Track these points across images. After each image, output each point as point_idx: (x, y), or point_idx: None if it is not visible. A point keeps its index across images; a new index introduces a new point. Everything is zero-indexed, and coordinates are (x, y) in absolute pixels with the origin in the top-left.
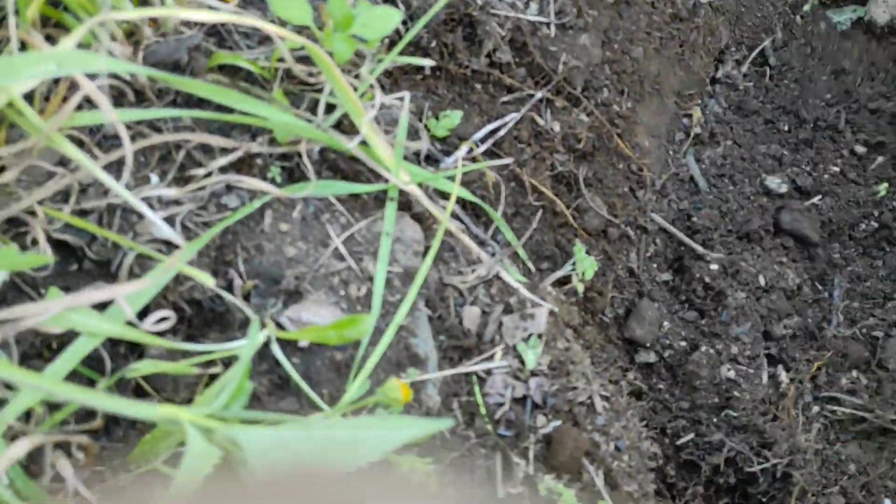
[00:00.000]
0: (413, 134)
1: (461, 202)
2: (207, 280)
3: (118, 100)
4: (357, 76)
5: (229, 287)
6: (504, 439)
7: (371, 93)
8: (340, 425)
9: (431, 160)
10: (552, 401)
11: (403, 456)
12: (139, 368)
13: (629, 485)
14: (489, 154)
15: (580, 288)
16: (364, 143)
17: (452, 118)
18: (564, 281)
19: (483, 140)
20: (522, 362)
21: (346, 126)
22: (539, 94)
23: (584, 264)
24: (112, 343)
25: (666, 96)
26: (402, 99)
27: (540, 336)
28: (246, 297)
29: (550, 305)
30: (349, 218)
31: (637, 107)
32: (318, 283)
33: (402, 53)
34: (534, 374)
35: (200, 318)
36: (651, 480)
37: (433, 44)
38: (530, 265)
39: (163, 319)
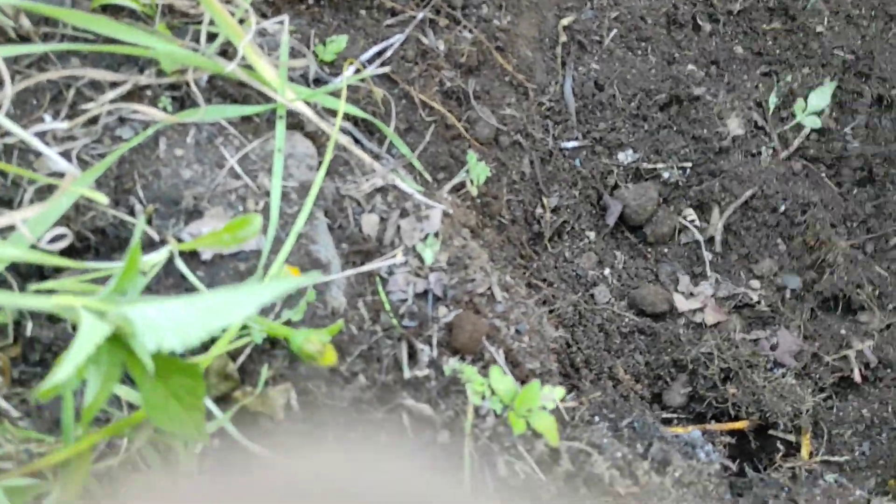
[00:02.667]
0: (299, 57)
1: (353, 120)
2: (101, 199)
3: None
4: (236, 5)
5: (131, 213)
6: (408, 330)
7: (249, 18)
8: (217, 294)
9: (321, 83)
10: (452, 293)
11: (300, 330)
12: (41, 286)
13: (531, 363)
14: (378, 75)
15: (474, 192)
16: (249, 68)
17: (339, 42)
18: (461, 188)
19: (370, 61)
20: (422, 260)
21: (231, 54)
22: (421, 15)
23: (477, 170)
24: (21, 275)
25: (545, 8)
26: (282, 23)
27: (436, 235)
28: (149, 222)
29: (444, 207)
30: (242, 140)
31: (517, 21)
32: (216, 200)
33: None
34: (433, 270)
35: (106, 245)
36: (554, 360)
37: None
38: (427, 175)
39: (59, 237)
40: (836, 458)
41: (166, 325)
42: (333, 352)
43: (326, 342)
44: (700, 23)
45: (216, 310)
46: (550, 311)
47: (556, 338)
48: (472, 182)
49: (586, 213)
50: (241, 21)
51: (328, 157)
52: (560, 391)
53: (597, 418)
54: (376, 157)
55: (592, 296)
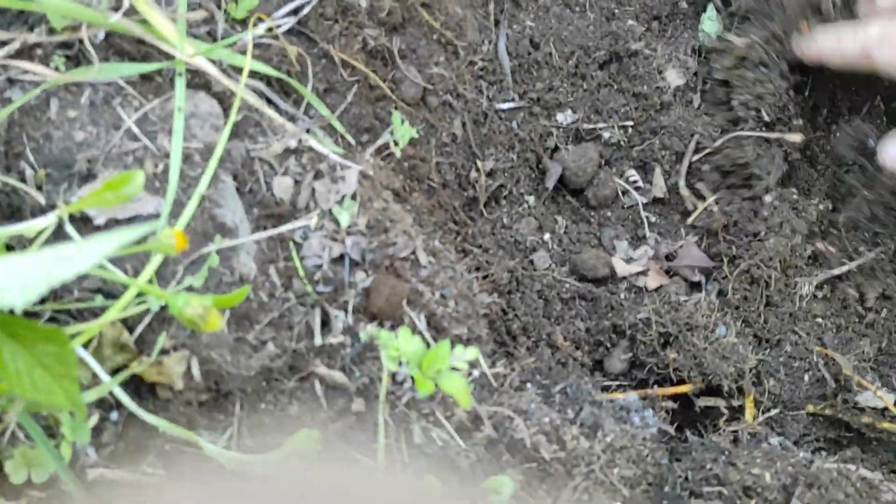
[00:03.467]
0: (205, 13)
1: (267, 80)
2: None
3: None
4: None
5: (23, 179)
6: (322, 295)
7: None
8: (63, 247)
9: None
10: (371, 257)
11: (181, 293)
12: None
13: (457, 328)
14: (295, 34)
15: (398, 153)
16: (146, 23)
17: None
18: (386, 151)
19: (285, 17)
20: (338, 224)
21: (129, 11)
22: None
23: (402, 131)
24: None
25: None
26: None
27: (354, 197)
28: (40, 188)
29: (362, 167)
30: (142, 100)
31: None
32: (111, 163)
33: None
34: (350, 233)
35: None
36: (485, 326)
37: None
38: (349, 138)
39: None
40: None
41: (11, 281)
42: (218, 317)
43: (209, 306)
44: None
45: (60, 262)
46: (484, 277)
47: (489, 304)
48: (395, 144)
49: (525, 177)
50: None
51: (233, 116)
52: (473, 351)
53: (529, 385)
54: (292, 118)
55: (532, 262)
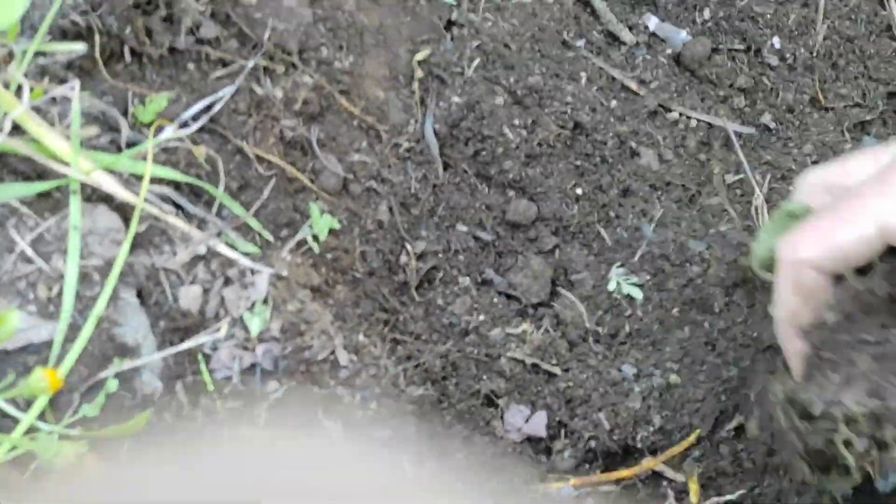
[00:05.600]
0: (97, 129)
1: (175, 184)
2: None
3: None
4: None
5: None
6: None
7: (39, 88)
8: None
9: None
10: (285, 363)
11: (55, 443)
12: None
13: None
14: (207, 131)
15: (317, 248)
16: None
17: (159, 101)
18: (306, 245)
19: (196, 118)
20: (249, 332)
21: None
22: (251, 63)
23: (321, 224)
24: None
25: (396, 45)
26: (73, 88)
27: (266, 302)
28: None
29: (271, 270)
30: (37, 219)
31: (362, 60)
32: (3, 290)
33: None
34: (262, 340)
35: None
36: (412, 423)
37: (127, 30)
38: (267, 235)
39: None
40: (727, 497)
41: None
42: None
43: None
44: (569, 41)
45: None
46: (416, 367)
47: (419, 397)
48: (314, 238)
49: (461, 258)
50: (31, 90)
51: (133, 229)
52: None
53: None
54: (202, 222)
55: (468, 343)
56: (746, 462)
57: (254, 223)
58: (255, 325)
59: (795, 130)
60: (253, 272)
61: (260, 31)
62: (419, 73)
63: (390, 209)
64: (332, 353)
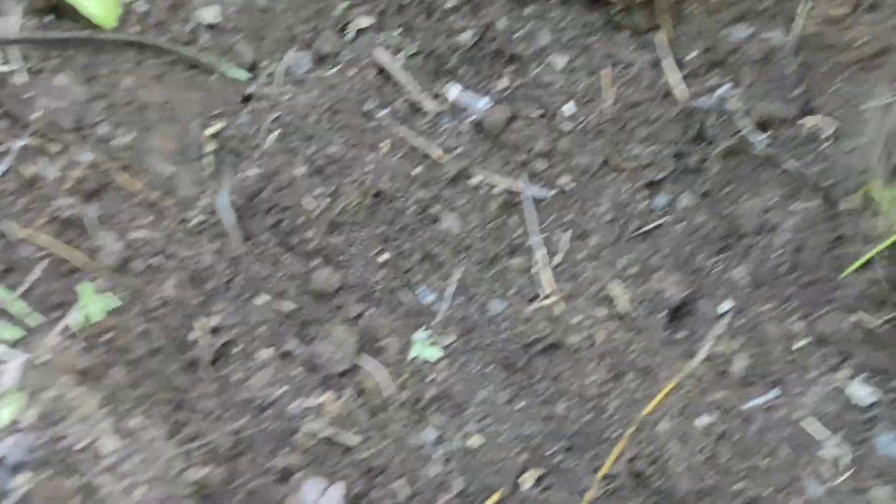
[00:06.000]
0: None
1: None
2: None
3: None
4: None
5: None
6: None
7: None
8: None
9: None
10: (38, 455)
11: None
12: None
13: None
14: None
15: (82, 326)
16: None
17: None
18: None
19: None
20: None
21: None
22: (20, 144)
23: (94, 304)
24: None
25: (184, 120)
26: None
27: (21, 388)
28: None
29: (25, 357)
30: None
31: (144, 136)
32: None
33: None
34: (13, 431)
35: None
36: None
37: None
38: (35, 318)
39: None
40: None
41: None
42: None
43: None
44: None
45: None
46: (201, 447)
47: (202, 477)
48: (86, 319)
49: (262, 329)
50: None
51: None
52: None
53: None
54: None
55: (265, 418)
56: None
57: (18, 307)
58: (4, 416)
59: (591, 191)
60: (4, 361)
61: (29, 111)
62: (211, 147)
63: (178, 284)
64: (94, 440)
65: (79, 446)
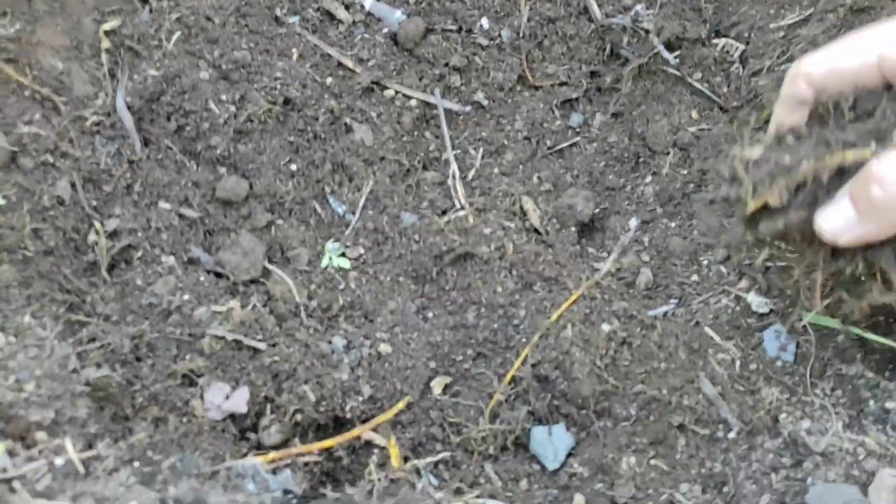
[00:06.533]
0: None
1: None
2: None
3: None
4: None
5: None
6: None
7: None
8: None
9: None
10: None
11: None
12: None
13: (37, 414)
14: None
15: None
16: None
17: None
18: None
19: None
20: None
21: None
22: None
23: None
24: None
25: (77, 13)
26: None
27: None
28: None
29: None
30: None
31: (33, 27)
32: None
33: None
34: None
35: None
36: (85, 404)
37: None
38: None
39: None
40: (429, 459)
41: None
42: None
43: None
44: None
45: None
46: (99, 349)
47: (99, 378)
48: None
49: (164, 236)
50: None
51: None
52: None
53: (134, 464)
54: None
55: (170, 323)
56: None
57: None
58: None
59: (507, 108)
60: None
61: None
62: (107, 44)
63: (72, 185)
64: None
65: None
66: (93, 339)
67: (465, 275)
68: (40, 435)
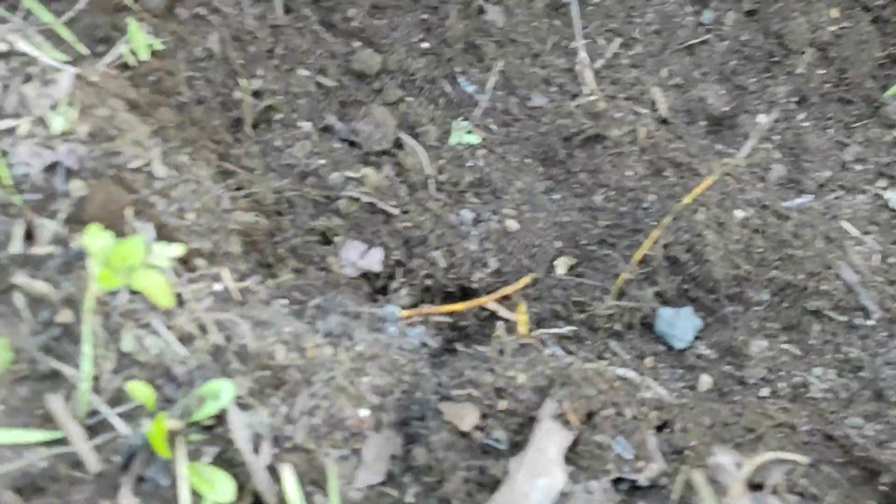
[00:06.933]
0: None
1: None
2: None
3: None
4: None
5: None
6: (29, 204)
7: None
8: None
9: None
10: (91, 165)
11: None
12: None
13: (197, 242)
14: None
15: (132, 61)
16: None
17: None
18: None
19: None
20: (52, 131)
21: None
22: None
23: (139, 41)
24: None
25: None
26: None
27: (71, 103)
28: None
29: (76, 70)
30: None
31: None
32: None
33: None
34: (66, 140)
35: None
36: (237, 243)
37: None
38: (81, 48)
39: None
40: (555, 331)
41: None
42: None
43: None
44: None
45: None
46: (246, 196)
47: (248, 222)
48: (133, 54)
49: (302, 102)
50: None
51: None
52: (178, 248)
53: (282, 301)
54: (2, 20)
55: (306, 184)
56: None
57: (64, 32)
58: (57, 124)
59: (638, 0)
60: (56, 70)
61: None
62: None
63: (222, 40)
64: (148, 164)
65: (132, 165)
66: (240, 188)
67: (594, 157)
68: (200, 261)
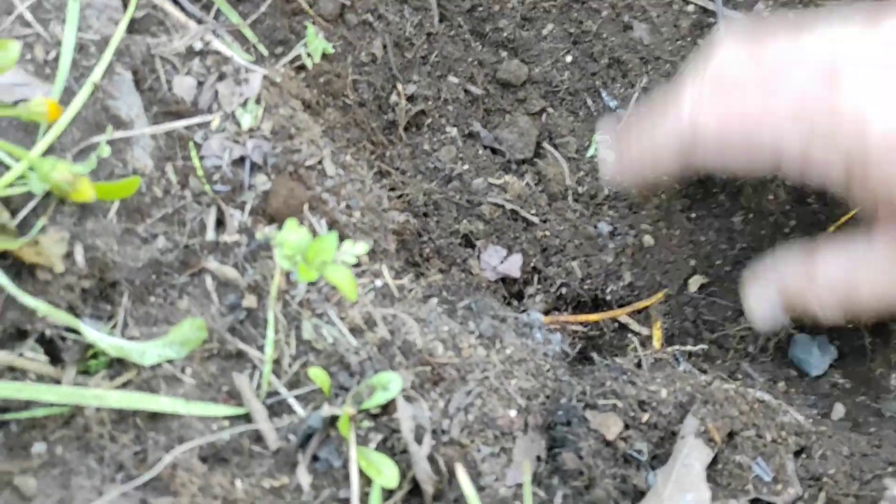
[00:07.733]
0: None
1: None
2: None
3: None
4: None
5: None
6: (219, 195)
7: None
8: None
9: None
10: (273, 160)
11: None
12: None
13: (361, 239)
14: None
15: (309, 63)
16: None
17: None
18: (300, 63)
19: None
20: (240, 126)
21: None
22: None
23: (315, 44)
24: None
25: None
26: None
27: (258, 101)
28: None
29: (265, 71)
30: None
31: None
32: None
33: None
34: (252, 136)
35: None
36: (394, 242)
37: None
38: (262, 48)
39: None
40: (688, 348)
41: None
42: (89, 187)
43: (77, 174)
44: None
45: None
46: (399, 197)
47: (401, 222)
48: (308, 56)
49: (450, 108)
50: None
51: (131, 8)
52: (363, 246)
53: (434, 299)
54: (198, 21)
55: (451, 188)
56: (705, 323)
57: (248, 33)
58: (246, 121)
59: (784, 16)
60: (247, 70)
61: None
62: None
63: (384, 46)
64: (321, 161)
65: (308, 163)
66: (393, 189)
67: (734, 179)
68: (363, 258)
